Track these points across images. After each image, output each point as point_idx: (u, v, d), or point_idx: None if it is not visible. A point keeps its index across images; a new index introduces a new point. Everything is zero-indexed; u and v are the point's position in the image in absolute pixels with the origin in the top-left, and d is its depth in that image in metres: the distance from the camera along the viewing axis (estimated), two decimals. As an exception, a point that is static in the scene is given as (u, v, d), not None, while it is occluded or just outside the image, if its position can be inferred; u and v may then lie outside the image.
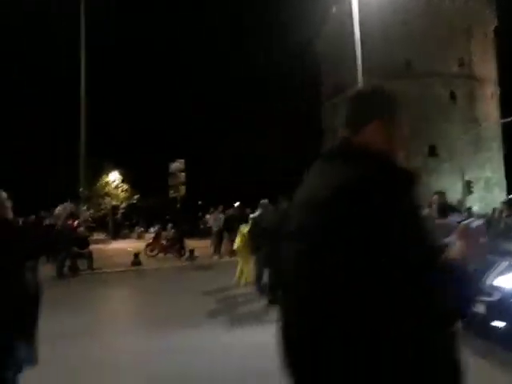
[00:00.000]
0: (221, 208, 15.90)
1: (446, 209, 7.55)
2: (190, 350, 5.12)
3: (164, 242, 16.45)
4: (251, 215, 8.80)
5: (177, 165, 14.25)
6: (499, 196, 33.07)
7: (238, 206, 15.56)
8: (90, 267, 12.31)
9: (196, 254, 15.10)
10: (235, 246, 9.63)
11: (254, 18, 79.92)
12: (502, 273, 4.94)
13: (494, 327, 4.77)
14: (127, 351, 5.33)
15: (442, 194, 8.76)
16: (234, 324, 6.42)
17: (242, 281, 9.19)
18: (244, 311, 7.36)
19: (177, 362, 4.71)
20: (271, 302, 7.32)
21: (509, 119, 27.39)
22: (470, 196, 25.12)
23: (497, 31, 40.64)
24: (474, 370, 1.86)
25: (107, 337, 6.04)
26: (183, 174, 14.25)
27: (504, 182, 39.34)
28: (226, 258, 14.21)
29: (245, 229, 9.12)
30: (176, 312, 7.19)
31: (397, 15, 35.33)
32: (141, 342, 5.59)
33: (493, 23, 40.34)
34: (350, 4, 19.11)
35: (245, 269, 9.22)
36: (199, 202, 34.33)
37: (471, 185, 27.22)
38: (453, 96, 36.61)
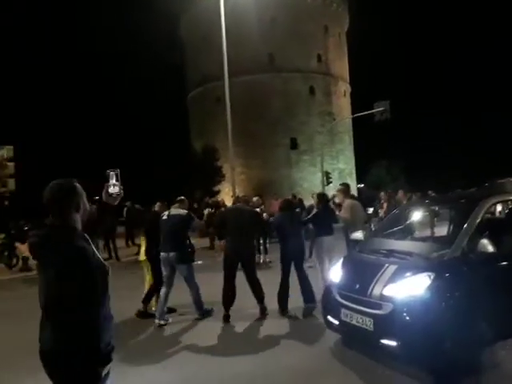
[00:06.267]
0: None
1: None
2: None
3: (-11, 247, 13.15)
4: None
5: (2, 152, 11.19)
6: (351, 186, 35.74)
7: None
8: None
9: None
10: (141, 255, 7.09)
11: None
12: (391, 279, 4.15)
13: (385, 346, 3.97)
14: None
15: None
16: None
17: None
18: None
19: None
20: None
21: (358, 114, 29.55)
22: (327, 186, 26.32)
23: (349, 33, 43.86)
24: None
25: None
26: (12, 163, 11.33)
27: (354, 173, 42.97)
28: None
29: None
30: None
31: (265, 10, 35.45)
32: None
33: (346, 25, 43.41)
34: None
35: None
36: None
37: (329, 175, 28.63)
38: (312, 91, 38.37)
